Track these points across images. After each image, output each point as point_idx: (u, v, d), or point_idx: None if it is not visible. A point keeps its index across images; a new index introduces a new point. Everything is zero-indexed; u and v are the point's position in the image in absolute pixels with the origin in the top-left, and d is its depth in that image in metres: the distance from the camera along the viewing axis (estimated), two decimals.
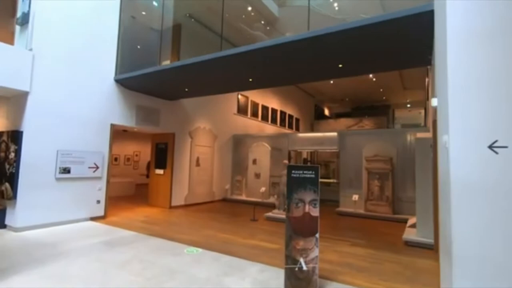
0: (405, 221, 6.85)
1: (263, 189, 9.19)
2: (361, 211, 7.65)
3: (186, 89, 6.73)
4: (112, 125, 6.49)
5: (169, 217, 6.79)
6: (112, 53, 6.52)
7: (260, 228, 5.92)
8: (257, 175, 9.71)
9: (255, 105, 11.89)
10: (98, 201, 6.21)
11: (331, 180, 14.13)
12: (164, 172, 8.12)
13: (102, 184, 6.31)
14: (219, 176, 9.79)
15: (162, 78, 6.14)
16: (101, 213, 6.27)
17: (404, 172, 7.47)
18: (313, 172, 2.92)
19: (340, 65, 4.78)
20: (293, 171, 2.92)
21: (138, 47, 7.33)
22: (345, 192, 8.20)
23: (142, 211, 7.43)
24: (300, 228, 2.89)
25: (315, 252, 2.91)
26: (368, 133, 8.51)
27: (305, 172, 2.91)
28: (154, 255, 4.04)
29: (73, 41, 5.79)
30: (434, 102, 2.90)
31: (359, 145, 8.05)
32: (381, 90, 15.22)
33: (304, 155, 14.70)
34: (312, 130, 17.72)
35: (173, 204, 7.98)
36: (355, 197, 7.69)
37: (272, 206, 8.51)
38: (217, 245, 4.58)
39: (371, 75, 12.91)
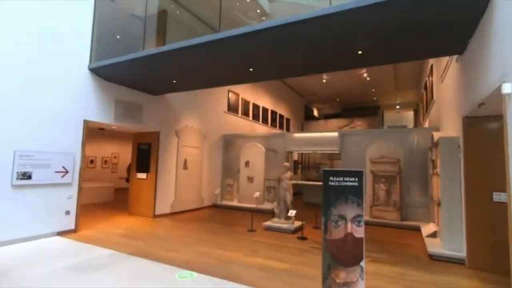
0: (416, 228, 6.30)
1: (257, 194, 8.41)
2: (366, 217, 7.04)
3: (174, 81, 5.84)
4: (86, 122, 5.50)
5: (153, 229, 5.86)
6: (87, 38, 5.55)
7: (262, 241, 5.14)
8: (250, 179, 8.93)
9: (246, 103, 11.11)
10: (68, 212, 5.20)
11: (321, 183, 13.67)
12: (147, 176, 7.16)
13: (73, 191, 5.30)
14: (208, 180, 8.91)
15: (146, 67, 5.24)
16: (71, 226, 5.26)
17: (412, 175, 6.93)
18: (356, 179, 2.19)
19: (360, 52, 4.11)
20: (330, 178, 2.17)
21: (118, 37, 6.36)
22: None
23: (121, 221, 6.45)
24: (341, 255, 2.15)
25: (361, 286, 2.18)
26: (371, 133, 7.94)
27: (345, 179, 2.17)
28: (137, 283, 3.16)
29: (34, 21, 4.79)
30: (507, 88, 2.24)
31: (362, 145, 7.45)
32: (373, 90, 14.88)
33: (295, 157, 14.09)
34: (302, 130, 17.14)
35: (157, 212, 7.03)
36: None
37: (268, 213, 7.75)
38: (216, 267, 3.75)
39: (365, 74, 12.49)
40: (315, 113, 20.17)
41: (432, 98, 7.82)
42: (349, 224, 2.16)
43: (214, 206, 9.00)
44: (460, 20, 3.22)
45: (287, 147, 8.63)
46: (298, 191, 10.03)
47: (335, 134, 7.97)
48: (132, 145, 7.63)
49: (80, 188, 5.42)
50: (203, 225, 6.27)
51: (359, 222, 2.18)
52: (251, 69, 4.97)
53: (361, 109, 17.94)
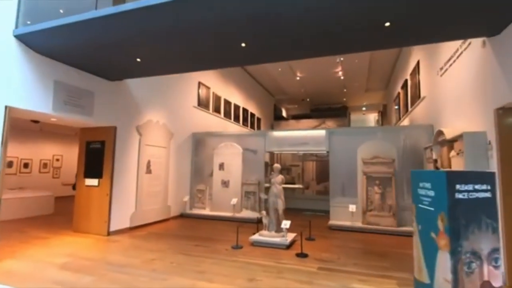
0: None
1: (234, 200, 7.31)
2: (359, 223, 6.36)
3: (138, 59, 4.52)
4: (9, 109, 3.95)
5: (108, 253, 4.45)
6: None
7: (254, 262, 4.07)
8: (225, 183, 7.79)
9: (217, 98, 9.94)
10: None
11: (296, 186, 13.07)
12: (99, 182, 5.66)
13: None
14: (176, 186, 7.58)
15: (99, 37, 3.88)
16: None
17: (406, 176, 6.42)
18: (489, 187, 1.28)
19: (387, 24, 3.30)
20: (458, 187, 1.23)
21: None
22: (337, 202, 6.84)
23: (63, 243, 4.90)
24: None
25: None
26: (362, 131, 7.35)
27: (476, 187, 1.25)
28: None
29: None
30: None
31: (352, 145, 6.79)
32: (345, 90, 14.66)
33: (266, 158, 13.24)
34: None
35: (113, 228, 5.57)
36: (352, 207, 6.36)
37: (247, 223, 6.71)
38: None
39: (340, 73, 12.11)
40: (284, 113, 19.61)
41: (418, 95, 7.46)
42: (485, 267, 1.24)
43: (182, 216, 7.69)
44: None
45: (268, 147, 7.67)
46: None
47: (322, 132, 7.22)
48: (79, 144, 6.04)
49: None
50: (174, 243, 4.99)
51: (496, 260, 1.27)
52: (243, 44, 3.90)
53: (330, 110, 17.77)
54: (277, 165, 5.38)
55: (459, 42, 4.76)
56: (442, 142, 4.99)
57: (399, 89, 10.50)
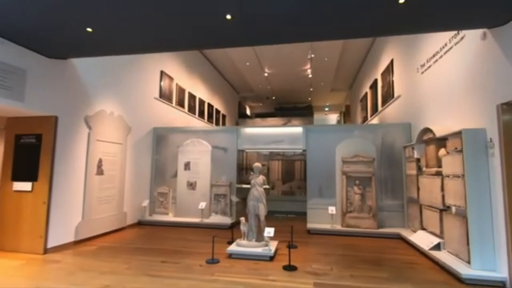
0: (395, 236, 5.56)
1: (202, 204, 6.50)
2: (338, 226, 6.02)
3: (89, 29, 3.52)
4: None
5: (42, 281, 3.39)
6: None
7: (239, 281, 3.38)
8: (192, 185, 6.93)
9: (181, 91, 8.98)
10: None
11: (265, 187, 12.64)
12: (33, 187, 4.47)
13: None
14: (133, 189, 6.52)
15: None
16: None
17: (385, 176, 6.25)
18: None
19: (402, 1, 2.86)
20: None
21: None
22: (314, 203, 6.43)
23: None
24: None
25: None
26: (340, 129, 7.06)
27: None
28: None
29: None
30: None
31: (330, 143, 6.43)
32: (311, 89, 14.57)
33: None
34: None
35: (52, 244, 4.43)
36: (332, 209, 5.99)
37: (217, 229, 6.00)
38: None
39: (309, 71, 11.89)
40: (248, 111, 19.06)
41: (392, 94, 7.41)
42: None
43: (140, 223, 6.65)
44: None
45: (241, 144, 6.99)
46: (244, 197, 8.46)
47: (299, 129, 6.76)
48: (6, 138, 4.74)
49: None
50: (134, 260, 4.07)
51: None
52: (228, 16, 3.17)
53: (294, 109, 17.66)
54: (258, 164, 4.74)
55: (445, 37, 4.61)
56: (428, 140, 4.81)
57: (367, 89, 10.57)
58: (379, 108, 8.75)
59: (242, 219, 4.57)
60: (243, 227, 4.53)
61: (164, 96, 7.92)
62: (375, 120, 9.35)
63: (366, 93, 10.65)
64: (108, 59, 5.61)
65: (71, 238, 4.78)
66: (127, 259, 4.11)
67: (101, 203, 5.48)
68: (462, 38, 4.14)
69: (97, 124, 5.39)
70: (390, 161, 6.28)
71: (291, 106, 17.77)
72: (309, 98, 16.75)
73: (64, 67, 4.72)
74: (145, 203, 6.80)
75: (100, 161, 5.46)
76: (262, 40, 4.11)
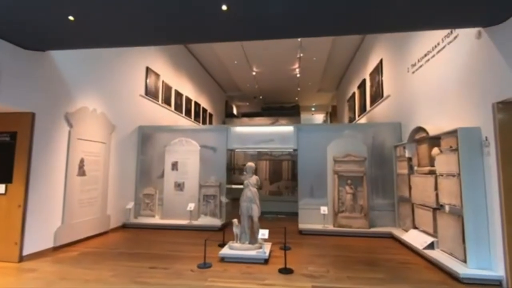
0: (387, 235, 5.56)
1: (191, 206, 6.28)
2: (330, 226, 5.96)
3: (71, 17, 3.25)
4: None
5: None
6: None
7: (234, 286, 3.21)
8: (180, 186, 6.69)
9: (167, 89, 8.68)
10: None
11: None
12: (7, 189, 4.11)
13: None
14: (117, 190, 6.21)
15: None
16: None
17: (376, 175, 6.26)
18: None
19: None
20: None
21: None
22: (306, 204, 6.34)
23: None
24: None
25: None
26: (331, 128, 7.01)
27: None
28: None
29: None
30: None
31: (321, 142, 6.37)
32: (299, 89, 14.56)
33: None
34: None
35: (28, 251, 4.09)
36: (324, 209, 5.92)
37: (207, 231, 5.81)
38: None
39: (297, 70, 11.85)
40: (235, 111, 18.86)
41: (381, 94, 7.45)
42: None
43: (125, 226, 6.34)
44: None
45: (230, 144, 6.81)
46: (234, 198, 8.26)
47: (290, 128, 6.66)
48: None
49: None
50: (120, 266, 3.81)
51: None
52: (224, 7, 3.00)
53: (281, 109, 17.61)
54: (251, 164, 4.58)
55: (437, 37, 4.63)
56: (421, 139, 4.82)
57: (354, 89, 10.63)
58: (368, 108, 8.80)
59: (235, 220, 4.40)
60: (235, 229, 4.36)
61: (150, 93, 7.61)
62: (363, 120, 9.40)
63: (354, 93, 10.72)
64: (91, 52, 5.30)
65: (49, 244, 4.44)
66: (112, 266, 3.85)
67: (83, 206, 5.15)
68: (455, 37, 4.16)
69: (79, 122, 5.06)
70: (380, 160, 6.29)
71: (278, 106, 17.71)
72: (296, 98, 16.76)
73: (43, 60, 4.38)
74: (130, 205, 6.49)
75: (81, 161, 5.13)
76: (257, 34, 3.94)
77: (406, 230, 5.28)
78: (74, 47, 4.44)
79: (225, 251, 4.17)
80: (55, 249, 4.50)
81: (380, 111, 7.69)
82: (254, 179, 4.47)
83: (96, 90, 5.59)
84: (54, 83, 4.61)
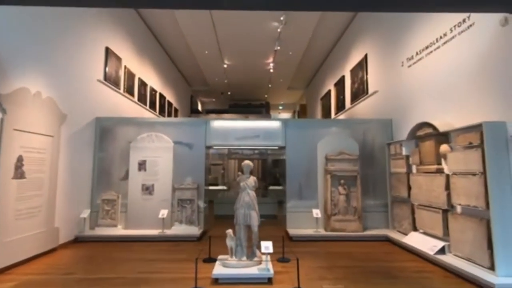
0: (382, 238, 5.22)
1: (164, 213, 5.29)
2: (322, 231, 5.45)
3: None
4: None
5: None
6: None
7: None
8: (148, 189, 5.65)
9: (130, 76, 7.47)
10: None
11: (220, 187, 11.78)
12: None
13: None
14: (68, 196, 4.97)
15: None
16: None
17: (368, 174, 5.91)
18: None
19: None
20: None
21: None
22: (294, 206, 5.76)
23: None
24: None
25: None
26: (322, 123, 6.53)
27: None
28: None
29: None
30: None
31: (312, 138, 5.86)
32: (270, 86, 14.06)
33: None
34: None
35: None
36: (317, 212, 5.39)
37: (185, 241, 4.93)
38: None
39: (271, 65, 11.30)
40: (199, 107, 17.73)
41: (366, 90, 7.19)
42: None
43: (77, 240, 5.13)
44: None
45: (209, 140, 5.94)
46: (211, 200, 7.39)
47: (277, 123, 6.02)
48: None
49: None
50: None
51: None
52: None
53: (249, 106, 16.98)
54: (248, 162, 3.81)
55: (443, 28, 4.36)
56: (425, 136, 4.51)
57: (330, 86, 10.40)
58: (348, 105, 8.55)
59: (230, 231, 3.60)
60: (229, 242, 3.57)
61: (110, 79, 6.39)
62: (341, 118, 9.16)
63: (330, 91, 10.49)
64: (35, 18, 4.07)
65: None
66: None
67: (21, 218, 3.91)
68: (470, 26, 3.88)
69: (16, 107, 3.82)
70: (371, 158, 5.97)
71: (246, 103, 17.06)
72: (266, 96, 16.27)
73: None
74: (85, 213, 5.28)
75: (20, 159, 3.89)
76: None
77: (404, 233, 4.97)
78: (14, 2, 3.25)
79: (219, 270, 3.36)
80: None
81: (363, 108, 7.44)
82: (252, 180, 3.72)
83: (41, 68, 4.34)
84: None
